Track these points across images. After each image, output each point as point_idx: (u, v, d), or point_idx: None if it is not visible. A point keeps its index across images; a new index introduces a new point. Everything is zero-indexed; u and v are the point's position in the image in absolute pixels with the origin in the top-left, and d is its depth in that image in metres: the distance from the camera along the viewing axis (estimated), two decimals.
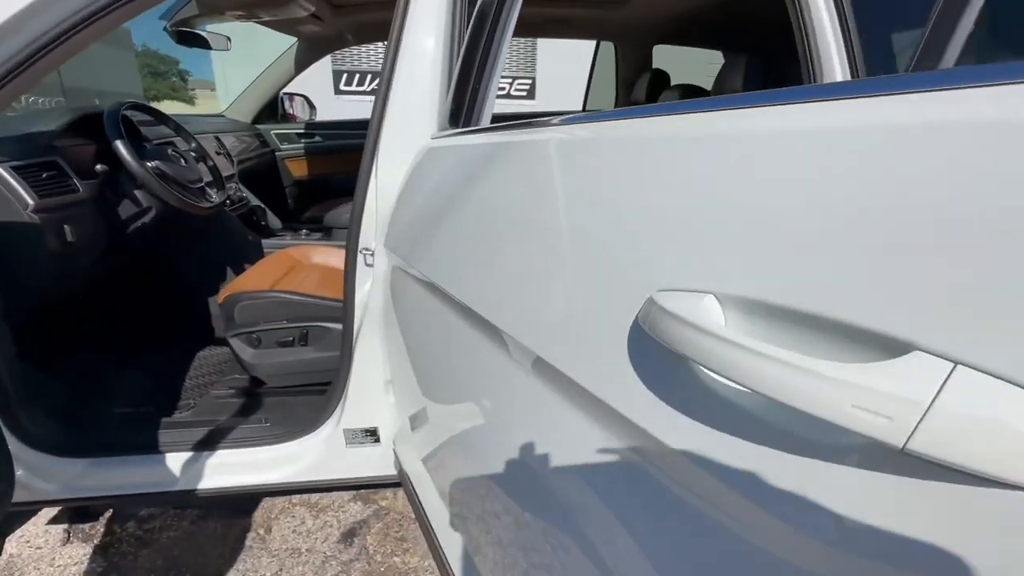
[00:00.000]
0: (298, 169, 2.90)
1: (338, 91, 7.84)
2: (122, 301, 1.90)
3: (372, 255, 1.22)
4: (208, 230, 1.93)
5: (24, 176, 1.22)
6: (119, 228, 1.53)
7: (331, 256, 1.94)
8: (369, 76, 8.05)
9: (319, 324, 1.50)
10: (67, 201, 1.32)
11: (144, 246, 1.84)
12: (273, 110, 2.82)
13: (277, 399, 1.56)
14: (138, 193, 1.50)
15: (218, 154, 2.07)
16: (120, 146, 1.37)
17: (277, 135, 2.81)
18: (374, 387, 1.30)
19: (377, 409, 1.32)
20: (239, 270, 2.03)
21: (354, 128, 2.87)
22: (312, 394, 1.56)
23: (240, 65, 7.88)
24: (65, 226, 1.31)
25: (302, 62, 2.55)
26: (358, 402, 1.31)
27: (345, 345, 1.27)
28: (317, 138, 2.85)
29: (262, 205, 2.06)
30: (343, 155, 2.90)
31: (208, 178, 1.76)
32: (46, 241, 1.27)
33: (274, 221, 2.27)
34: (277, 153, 2.83)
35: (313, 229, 2.19)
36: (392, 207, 1.16)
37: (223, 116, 2.68)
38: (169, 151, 1.54)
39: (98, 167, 1.42)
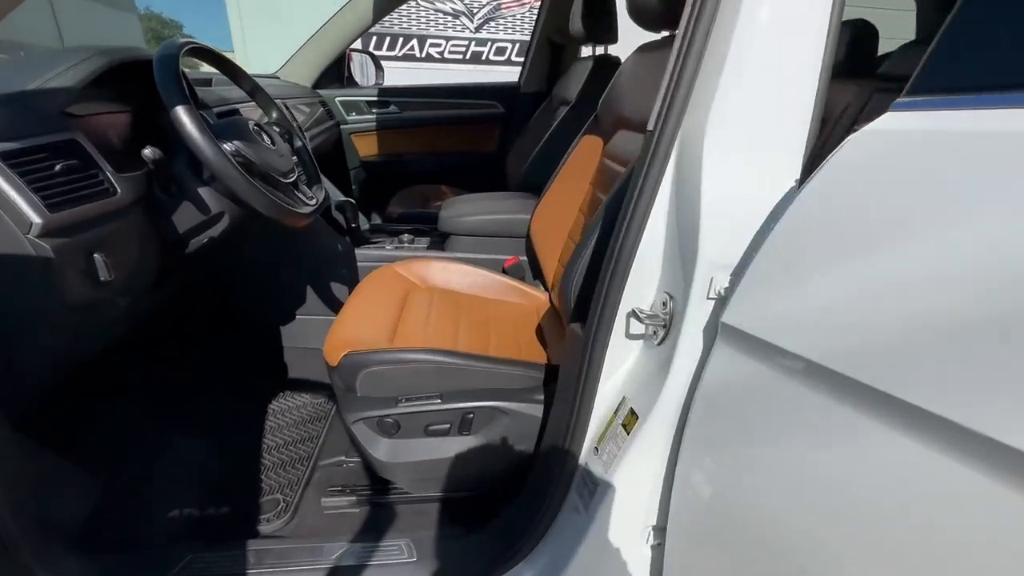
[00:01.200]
0: (366, 147, 2.31)
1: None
2: (174, 351, 1.36)
3: (664, 327, 0.66)
4: (290, 242, 1.38)
5: (22, 173, 0.66)
6: (175, 249, 0.97)
7: (459, 276, 1.38)
8: (401, 40, 7.32)
9: (491, 405, 0.96)
10: (97, 212, 0.76)
11: (207, 272, 1.28)
12: (338, 71, 2.22)
13: (418, 513, 1.03)
14: (205, 193, 0.94)
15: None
16: (185, 117, 0.80)
17: (343, 103, 2.21)
18: (619, 532, 0.76)
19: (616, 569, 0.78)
20: (330, 298, 1.48)
21: (439, 95, 2.27)
22: (468, 505, 1.03)
23: (264, 21, 7.17)
24: (96, 256, 0.76)
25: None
26: (585, 551, 0.77)
27: (558, 454, 0.73)
28: (392, 108, 2.25)
29: (351, 200, 1.50)
30: (423, 130, 2.31)
31: (299, 168, 1.20)
32: (65, 284, 0.72)
33: (362, 220, 1.71)
34: (342, 126, 2.24)
35: (416, 232, 1.63)
36: (745, 250, 0.60)
37: (277, 77, 2.08)
38: (250, 124, 0.98)
39: (146, 151, 0.86)
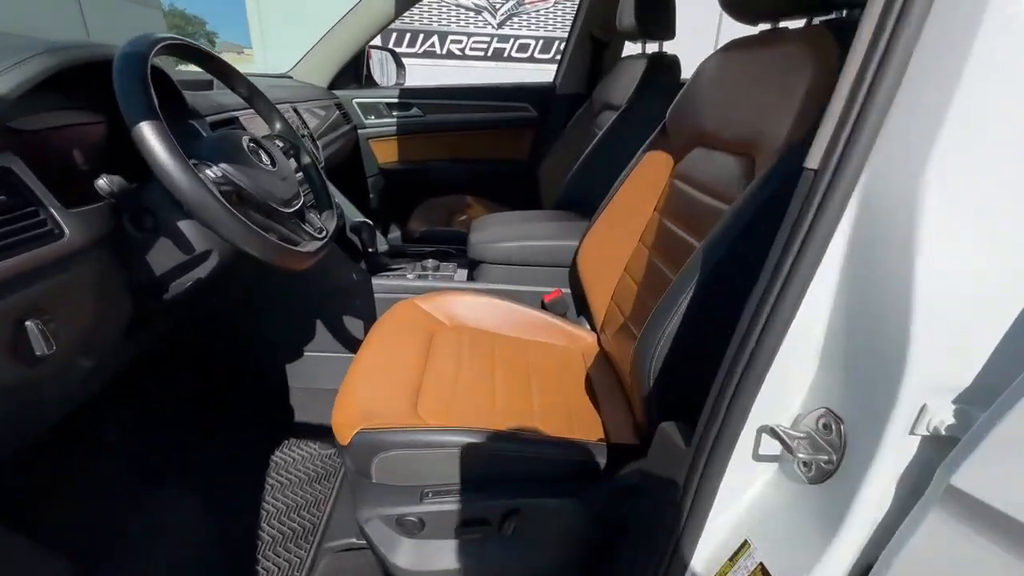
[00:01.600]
0: (386, 153, 2.12)
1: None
2: (160, 396, 1.18)
3: (827, 460, 0.44)
4: (295, 275, 1.18)
5: None
6: (150, 296, 0.78)
7: (492, 312, 1.18)
8: (421, 36, 7.14)
9: (539, 502, 0.75)
10: (32, 264, 0.57)
11: (189, 320, 1.10)
12: (356, 70, 2.03)
13: None
14: (188, 227, 0.74)
15: (305, 138, 1.30)
16: (150, 135, 0.60)
17: (361, 105, 2.02)
18: None
19: None
20: (343, 334, 1.29)
21: (466, 97, 2.06)
22: None
23: (284, 19, 7.04)
24: (29, 323, 0.57)
25: None
26: None
27: None
28: (414, 110, 2.05)
29: (368, 221, 1.30)
30: (449, 135, 2.11)
31: (306, 191, 1.01)
32: None
33: (380, 244, 1.51)
34: (360, 131, 2.05)
35: (440, 254, 1.42)
36: (988, 368, 0.37)
37: (289, 77, 1.90)
38: (244, 140, 0.78)
39: (101, 181, 0.66)
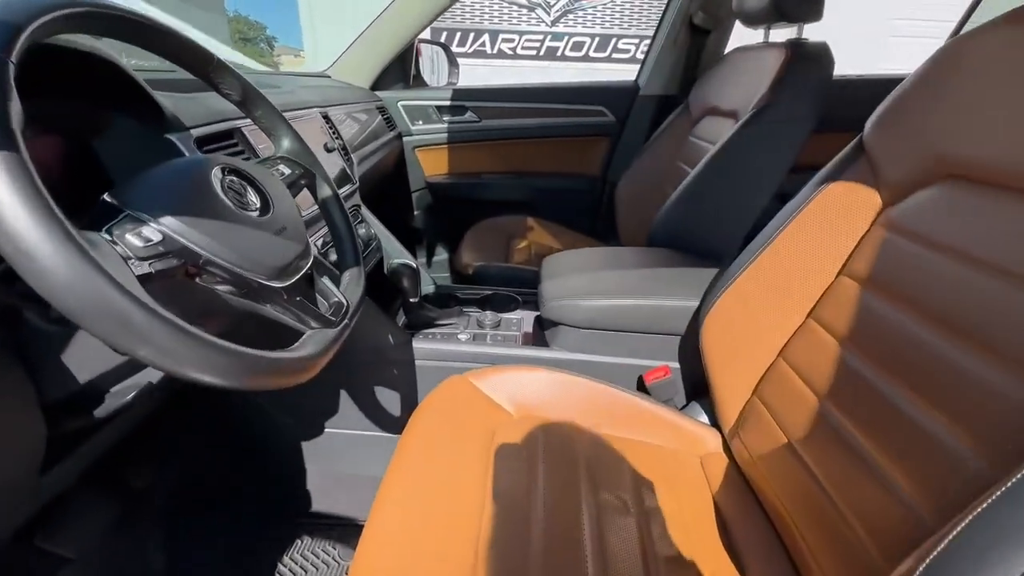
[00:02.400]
0: (435, 164, 1.82)
1: None
2: (135, 482, 0.92)
3: None
4: None
5: None
6: (71, 414, 0.50)
7: (572, 395, 0.84)
8: (472, 35, 6.90)
9: None
10: None
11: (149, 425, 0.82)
12: (403, 68, 1.74)
13: None
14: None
15: (332, 152, 1.01)
16: None
17: (407, 109, 1.73)
18: None
19: None
20: (374, 410, 0.99)
21: (530, 99, 1.73)
22: None
23: (336, 21, 6.95)
24: None
25: None
26: None
27: None
28: (468, 115, 1.74)
29: (410, 263, 0.99)
30: (507, 144, 1.79)
31: (322, 246, 0.72)
32: None
33: (425, 282, 1.20)
34: (405, 138, 1.76)
35: (500, 302, 1.10)
36: None
37: (327, 76, 1.63)
38: (214, 173, 0.48)
39: None
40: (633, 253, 1.10)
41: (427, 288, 1.19)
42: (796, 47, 1.07)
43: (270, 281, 0.48)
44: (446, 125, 1.75)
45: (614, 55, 7.11)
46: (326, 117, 1.11)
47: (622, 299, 0.91)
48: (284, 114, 0.93)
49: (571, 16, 6.91)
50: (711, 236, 1.13)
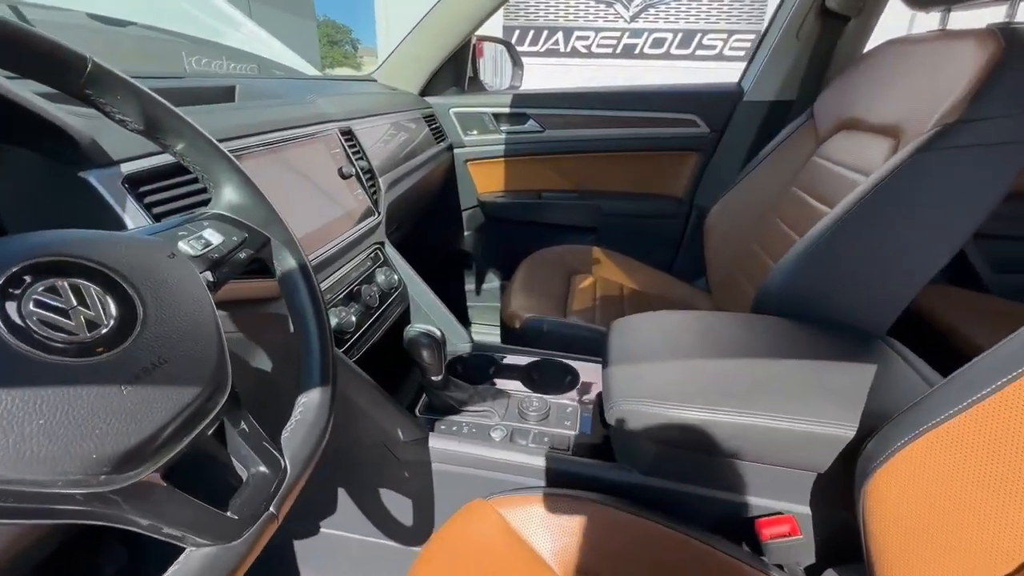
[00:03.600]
0: (489, 180, 1.59)
1: None
2: None
3: None
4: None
5: None
6: None
7: (630, 550, 0.57)
8: (545, 33, 6.63)
9: None
10: None
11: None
12: (456, 70, 1.52)
13: None
14: None
15: (348, 178, 0.80)
16: None
17: (460, 117, 1.51)
18: None
19: None
20: (380, 516, 0.77)
21: (604, 105, 1.45)
22: None
23: (409, 20, 6.91)
24: None
25: None
26: None
27: None
28: (530, 123, 1.49)
29: (434, 331, 0.74)
30: (574, 158, 1.51)
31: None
32: None
33: (458, 338, 0.95)
34: (456, 150, 1.54)
35: (548, 373, 0.83)
36: None
37: (373, 80, 1.44)
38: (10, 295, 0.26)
39: None
40: (740, 326, 0.79)
41: (461, 345, 0.95)
42: (1011, 35, 0.72)
43: (90, 486, 0.25)
44: (503, 136, 1.51)
45: (698, 52, 6.56)
46: (347, 133, 0.89)
47: (728, 413, 0.62)
48: (284, 133, 0.71)
49: (652, 11, 6.45)
50: (859, 306, 0.80)
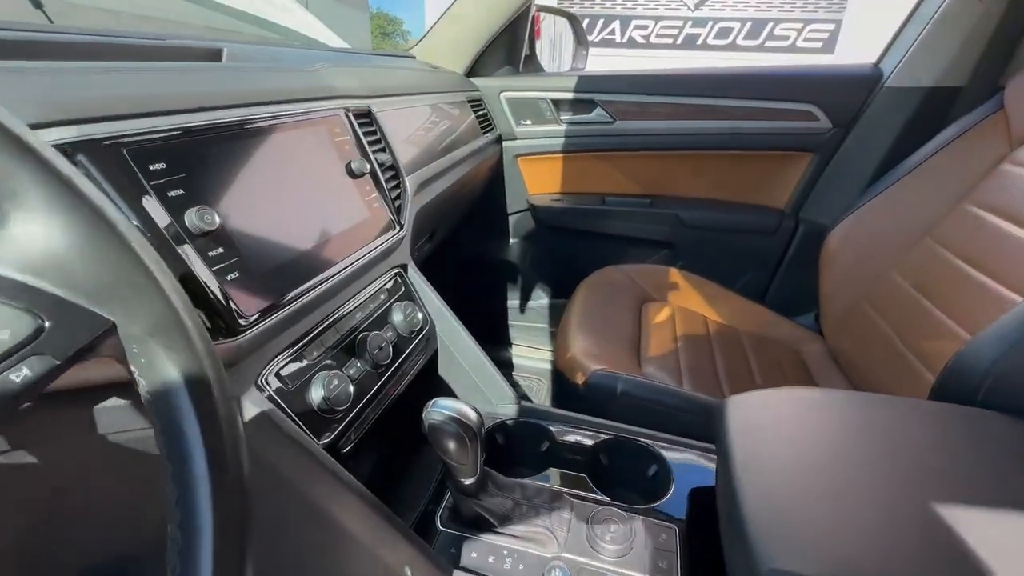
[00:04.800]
0: (544, 180, 1.33)
1: None
2: None
3: None
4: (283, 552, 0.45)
5: None
6: None
7: None
8: (601, 21, 6.27)
9: None
10: None
11: None
12: (511, 46, 1.27)
13: None
14: None
15: (360, 177, 0.56)
16: None
17: (512, 102, 1.26)
18: None
19: None
20: None
21: (689, 90, 1.16)
22: None
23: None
24: None
25: None
26: None
27: None
28: (597, 111, 1.22)
29: (466, 416, 0.50)
30: (652, 157, 1.24)
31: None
32: None
33: (500, 399, 0.71)
34: (506, 143, 1.29)
35: (618, 471, 0.58)
36: None
37: (411, 56, 1.21)
38: None
39: None
40: (949, 429, 0.51)
41: (504, 407, 0.70)
42: None
43: None
44: (564, 127, 1.25)
45: (768, 43, 6.03)
46: (365, 115, 0.66)
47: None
48: (268, 108, 0.50)
49: None
50: None
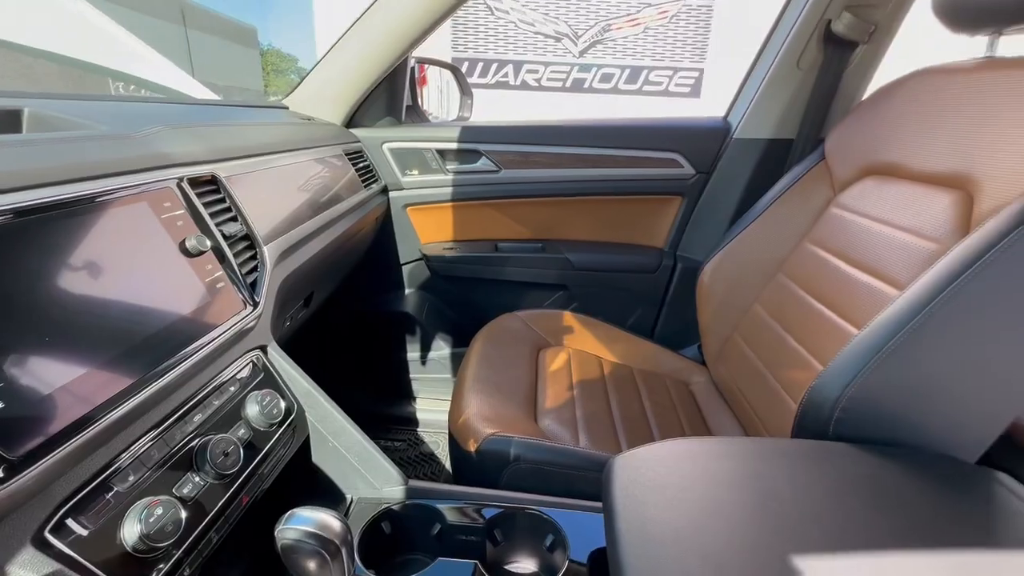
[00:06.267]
0: (435, 228, 1.31)
1: None
2: None
3: None
4: None
5: None
6: None
7: None
8: (495, 66, 6.55)
9: None
10: None
11: None
12: (392, 96, 1.25)
13: None
14: None
15: (199, 255, 0.49)
16: None
17: (396, 153, 1.23)
18: None
19: None
20: None
21: (569, 140, 1.21)
22: None
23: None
24: None
25: None
26: None
27: None
28: (482, 161, 1.23)
29: (328, 531, 0.44)
30: (537, 203, 1.26)
31: None
32: None
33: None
34: (393, 193, 1.26)
35: (521, 542, 0.55)
36: None
37: (284, 107, 1.15)
38: None
39: None
40: (799, 469, 0.54)
41: (389, 490, 0.64)
42: None
43: None
44: (451, 176, 1.24)
45: (645, 87, 6.66)
46: (209, 182, 0.59)
47: None
48: (85, 185, 0.43)
49: (600, 47, 6.52)
50: (953, 428, 0.57)
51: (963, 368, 0.56)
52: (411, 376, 1.45)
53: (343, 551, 0.42)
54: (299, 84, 1.16)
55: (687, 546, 0.43)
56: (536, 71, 6.67)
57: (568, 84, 6.67)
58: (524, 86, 6.67)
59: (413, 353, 1.43)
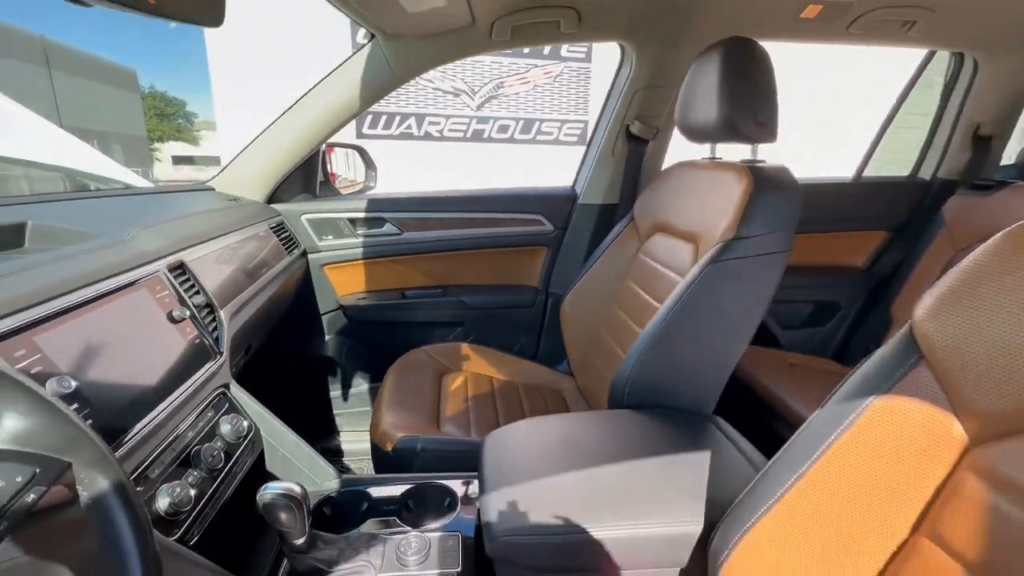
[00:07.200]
0: (349, 282, 1.55)
1: (360, 135, 6.65)
2: None
3: None
4: None
5: None
6: None
7: None
8: (398, 118, 6.90)
9: None
10: None
11: None
12: (306, 176, 1.50)
13: None
14: None
15: (180, 322, 0.71)
16: None
17: (313, 223, 1.47)
18: None
19: None
20: None
21: (457, 207, 1.53)
22: None
23: (242, 103, 6.68)
24: None
25: (387, 82, 1.26)
26: None
27: None
28: (387, 227, 1.51)
29: (291, 492, 0.67)
30: (434, 258, 1.56)
31: None
32: None
33: (326, 478, 0.87)
34: (311, 256, 1.49)
35: (428, 503, 0.80)
36: None
37: (210, 189, 1.35)
38: None
39: None
40: (599, 427, 0.86)
41: (327, 483, 0.87)
42: (757, 173, 0.94)
43: None
44: (361, 239, 1.50)
45: (538, 137, 7.38)
46: (178, 268, 0.81)
47: (598, 529, 0.65)
48: (97, 287, 0.62)
49: (495, 101, 7.16)
50: (688, 391, 0.92)
51: (691, 349, 0.92)
52: (335, 412, 1.64)
53: (304, 506, 0.66)
54: (225, 167, 1.37)
55: (522, 472, 0.73)
56: (438, 123, 7.13)
57: (468, 135, 7.20)
58: (428, 136, 7.08)
59: (335, 391, 1.63)
